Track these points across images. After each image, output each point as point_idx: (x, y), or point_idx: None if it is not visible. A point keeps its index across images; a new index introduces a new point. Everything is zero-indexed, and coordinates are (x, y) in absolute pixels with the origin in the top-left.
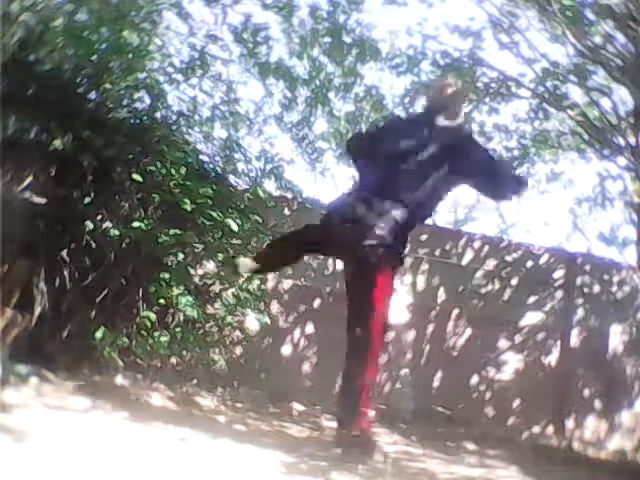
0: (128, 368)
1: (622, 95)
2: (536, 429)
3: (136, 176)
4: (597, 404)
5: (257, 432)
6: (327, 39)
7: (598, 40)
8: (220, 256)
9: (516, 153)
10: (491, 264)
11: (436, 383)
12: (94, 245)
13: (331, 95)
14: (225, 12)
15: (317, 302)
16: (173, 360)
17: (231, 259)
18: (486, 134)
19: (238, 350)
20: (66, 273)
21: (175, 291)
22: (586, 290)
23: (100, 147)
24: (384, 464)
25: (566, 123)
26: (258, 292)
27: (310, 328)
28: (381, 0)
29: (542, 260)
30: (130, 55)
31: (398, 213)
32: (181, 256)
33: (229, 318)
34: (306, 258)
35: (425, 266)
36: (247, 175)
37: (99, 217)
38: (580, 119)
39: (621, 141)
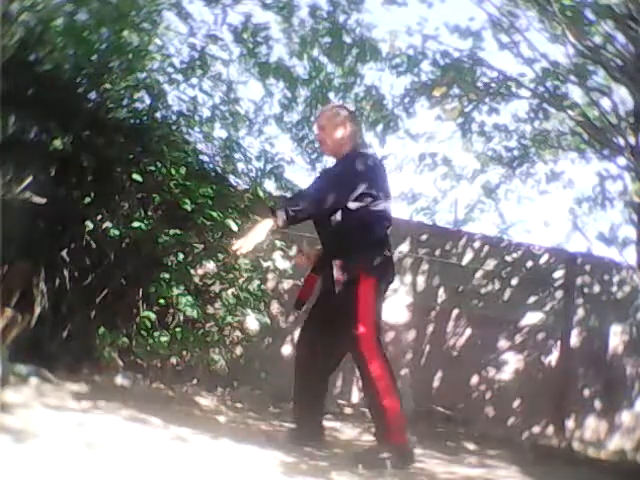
0: (128, 368)
1: (622, 95)
2: (536, 429)
3: (136, 176)
4: (597, 404)
5: (257, 432)
6: (327, 39)
7: (598, 40)
8: (220, 256)
9: (516, 153)
10: (491, 264)
11: (436, 383)
12: (94, 245)
13: (331, 95)
14: (225, 12)
15: None
16: (173, 360)
17: None
18: (486, 134)
19: (238, 350)
20: (66, 273)
21: (175, 291)
22: (586, 290)
23: (100, 147)
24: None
25: (566, 123)
26: (258, 292)
27: None
28: (381, 0)
29: (542, 260)
30: (130, 55)
31: None
32: (181, 256)
33: (229, 318)
34: None
35: (425, 266)
36: (247, 175)
37: (99, 217)
38: (580, 119)
39: (621, 141)
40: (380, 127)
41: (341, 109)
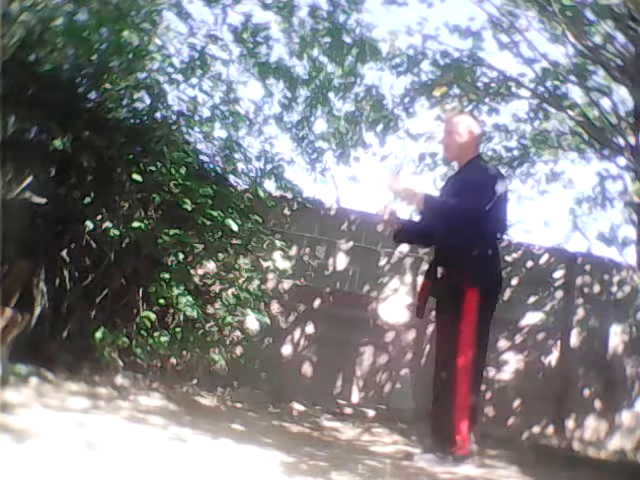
0: (128, 368)
1: (622, 95)
2: (536, 429)
3: (136, 176)
4: (597, 404)
5: (257, 432)
6: (327, 39)
7: (598, 40)
8: (220, 256)
9: (516, 153)
10: None
11: None
12: (94, 245)
13: (331, 95)
14: (225, 12)
15: (317, 302)
16: (173, 360)
17: None
18: (486, 134)
19: (238, 350)
20: (66, 273)
21: (175, 291)
22: (586, 290)
23: (100, 147)
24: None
25: (566, 123)
26: (258, 292)
27: (310, 328)
28: (381, 0)
29: (542, 260)
30: (130, 55)
31: None
32: (181, 256)
33: (229, 318)
34: (306, 258)
35: (425, 266)
36: (247, 175)
37: (99, 217)
38: (580, 119)
39: (621, 141)
40: (380, 127)
41: (468, 117)
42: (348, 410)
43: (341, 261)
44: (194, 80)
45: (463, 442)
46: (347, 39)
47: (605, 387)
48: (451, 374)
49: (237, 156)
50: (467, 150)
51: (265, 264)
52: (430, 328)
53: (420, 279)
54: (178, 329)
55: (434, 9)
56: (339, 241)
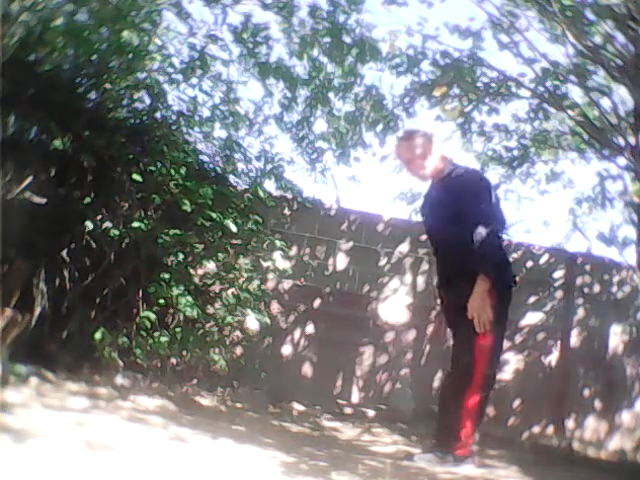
0: (128, 368)
1: (622, 95)
2: (536, 429)
3: (136, 176)
4: (597, 404)
5: (257, 432)
6: (327, 39)
7: (598, 40)
8: (220, 256)
9: (516, 153)
10: None
11: (436, 383)
12: (94, 245)
13: (331, 95)
14: (225, 12)
15: (317, 302)
16: (173, 360)
17: None
18: (486, 134)
19: (238, 350)
20: (66, 273)
21: (175, 291)
22: (586, 290)
23: (100, 147)
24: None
25: (566, 123)
26: (258, 292)
27: (310, 328)
28: (381, 0)
29: (542, 260)
30: (130, 55)
31: None
32: (181, 256)
33: (229, 318)
34: (306, 258)
35: (425, 266)
36: (247, 175)
37: (99, 217)
38: (580, 119)
39: (621, 141)
40: (380, 127)
41: (417, 136)
42: (348, 410)
43: (341, 261)
44: (194, 80)
45: (467, 439)
46: (347, 39)
47: (605, 387)
48: (464, 374)
49: (237, 156)
50: (441, 163)
51: (265, 264)
52: (430, 328)
53: (420, 279)
54: (178, 329)
55: (434, 9)
56: (339, 241)
